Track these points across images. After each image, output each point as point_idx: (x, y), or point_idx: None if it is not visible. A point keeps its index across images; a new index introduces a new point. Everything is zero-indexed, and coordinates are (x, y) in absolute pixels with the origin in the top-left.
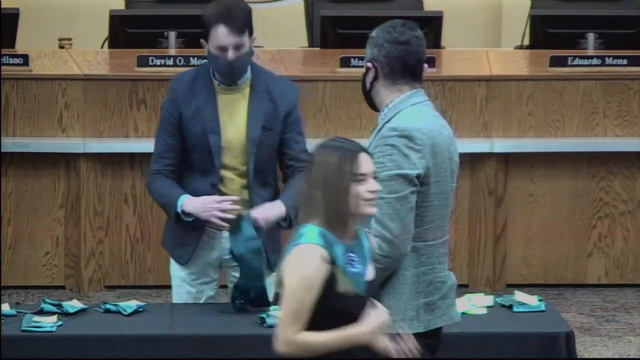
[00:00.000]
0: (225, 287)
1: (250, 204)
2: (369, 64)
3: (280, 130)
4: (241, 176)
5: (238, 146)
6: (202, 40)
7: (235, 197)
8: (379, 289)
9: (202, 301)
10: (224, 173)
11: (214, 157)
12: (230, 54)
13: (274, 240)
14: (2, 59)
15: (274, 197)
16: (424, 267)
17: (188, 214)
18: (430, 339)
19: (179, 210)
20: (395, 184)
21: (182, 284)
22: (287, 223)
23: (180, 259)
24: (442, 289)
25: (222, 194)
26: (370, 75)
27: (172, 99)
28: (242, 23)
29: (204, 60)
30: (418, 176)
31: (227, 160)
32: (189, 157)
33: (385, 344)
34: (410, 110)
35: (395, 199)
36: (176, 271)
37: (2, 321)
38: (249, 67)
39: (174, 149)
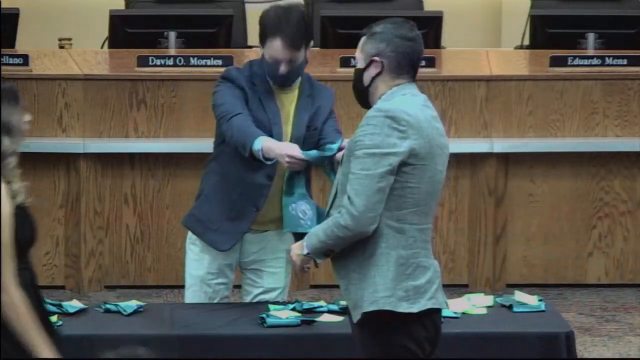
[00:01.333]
0: (239, 287)
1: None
2: (376, 59)
3: (321, 128)
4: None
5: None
6: (260, 43)
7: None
8: (364, 273)
9: (216, 301)
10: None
11: None
12: (282, 68)
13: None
14: (2, 59)
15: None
16: (410, 250)
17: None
18: (430, 332)
19: (256, 148)
20: (368, 161)
21: (200, 284)
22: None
23: (221, 245)
24: (427, 273)
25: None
26: (374, 70)
27: (235, 81)
28: (300, 37)
29: (204, 61)
30: (396, 155)
31: None
32: None
33: None
34: (400, 98)
35: (365, 175)
36: (194, 270)
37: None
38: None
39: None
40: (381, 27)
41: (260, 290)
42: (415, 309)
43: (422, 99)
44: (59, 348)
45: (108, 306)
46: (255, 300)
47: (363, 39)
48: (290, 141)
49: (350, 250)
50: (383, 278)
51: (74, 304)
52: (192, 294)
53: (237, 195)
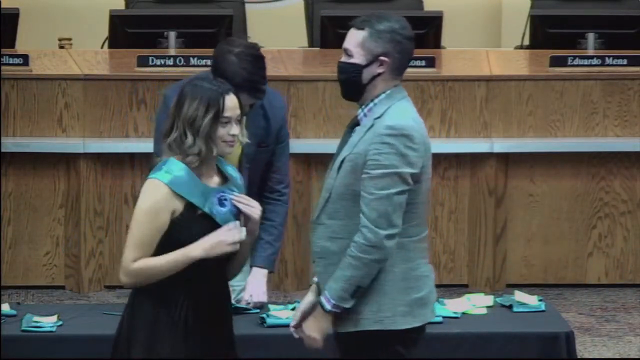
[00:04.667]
0: None
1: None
2: (384, 59)
3: (273, 146)
4: None
5: (232, 160)
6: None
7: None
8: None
9: None
10: None
11: None
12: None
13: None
14: (2, 59)
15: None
16: (411, 263)
17: None
18: (420, 335)
19: None
20: (387, 181)
21: None
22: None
23: None
24: (428, 282)
25: None
26: (378, 69)
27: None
28: (262, 83)
29: (204, 61)
30: (413, 175)
31: None
32: None
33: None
34: (399, 107)
35: (385, 195)
36: None
37: (2, 321)
38: None
39: None
40: (385, 25)
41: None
42: (418, 322)
43: (412, 103)
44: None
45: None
46: None
47: (362, 33)
48: (241, 158)
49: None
50: (386, 297)
51: None
52: None
53: None
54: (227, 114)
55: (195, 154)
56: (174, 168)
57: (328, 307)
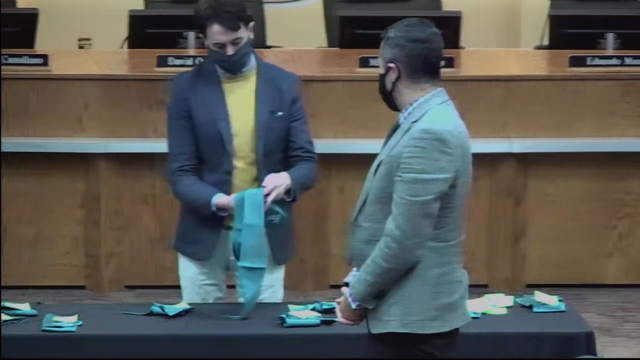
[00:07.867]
0: (233, 287)
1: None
2: (391, 65)
3: (288, 116)
4: (252, 165)
5: (247, 133)
6: (199, 34)
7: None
8: (395, 289)
9: (210, 302)
10: (235, 163)
11: (225, 144)
12: (229, 50)
13: (280, 235)
14: (22, 59)
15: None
16: (444, 267)
17: (223, 209)
18: (451, 338)
19: (213, 209)
20: (417, 187)
21: (191, 285)
22: (292, 197)
23: (199, 254)
24: (460, 288)
25: (232, 187)
26: (392, 75)
27: (177, 94)
28: (236, 18)
29: None
30: (446, 180)
31: (237, 148)
32: (199, 149)
33: None
34: (438, 111)
35: (413, 202)
36: (185, 272)
37: (23, 321)
38: (252, 56)
39: (191, 143)
40: (393, 31)
41: None
42: (446, 327)
43: (453, 107)
44: None
45: (153, 308)
46: None
47: (382, 43)
48: (255, 127)
49: None
50: (417, 302)
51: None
52: (188, 296)
53: None
54: None
55: None
56: None
57: (353, 306)
